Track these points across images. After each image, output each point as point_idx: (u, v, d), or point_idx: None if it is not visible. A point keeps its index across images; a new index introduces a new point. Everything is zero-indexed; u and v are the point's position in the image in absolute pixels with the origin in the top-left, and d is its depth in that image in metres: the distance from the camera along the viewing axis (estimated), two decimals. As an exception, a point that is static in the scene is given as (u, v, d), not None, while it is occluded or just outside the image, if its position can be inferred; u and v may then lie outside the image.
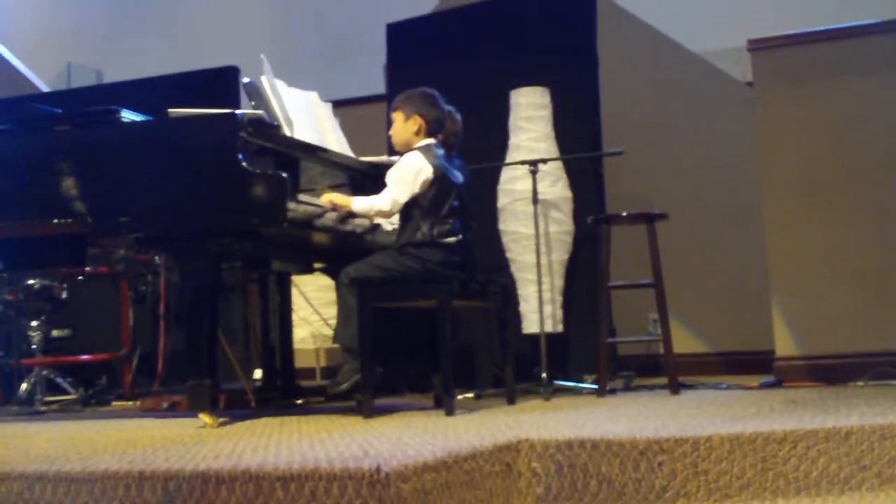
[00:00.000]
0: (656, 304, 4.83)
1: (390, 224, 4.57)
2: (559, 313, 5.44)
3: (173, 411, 4.92)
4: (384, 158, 4.92)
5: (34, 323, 5.71)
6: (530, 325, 5.39)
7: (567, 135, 5.59)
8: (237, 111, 4.08)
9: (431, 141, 4.34)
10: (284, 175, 3.92)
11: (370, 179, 4.80)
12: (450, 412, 3.93)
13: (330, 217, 4.29)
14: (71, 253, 4.58)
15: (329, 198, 4.30)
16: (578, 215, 5.50)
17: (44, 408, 5.46)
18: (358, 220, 4.45)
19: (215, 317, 4.07)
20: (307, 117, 4.59)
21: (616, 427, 3.07)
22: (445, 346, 4.02)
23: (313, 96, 4.80)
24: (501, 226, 5.53)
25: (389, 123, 4.44)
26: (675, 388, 4.71)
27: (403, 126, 4.36)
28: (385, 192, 4.25)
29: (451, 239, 4.26)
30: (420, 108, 4.35)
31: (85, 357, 6.03)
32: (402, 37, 6.47)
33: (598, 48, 5.85)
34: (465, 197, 4.44)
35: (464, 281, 4.26)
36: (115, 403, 5.75)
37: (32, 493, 2.58)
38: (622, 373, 5.38)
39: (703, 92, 6.66)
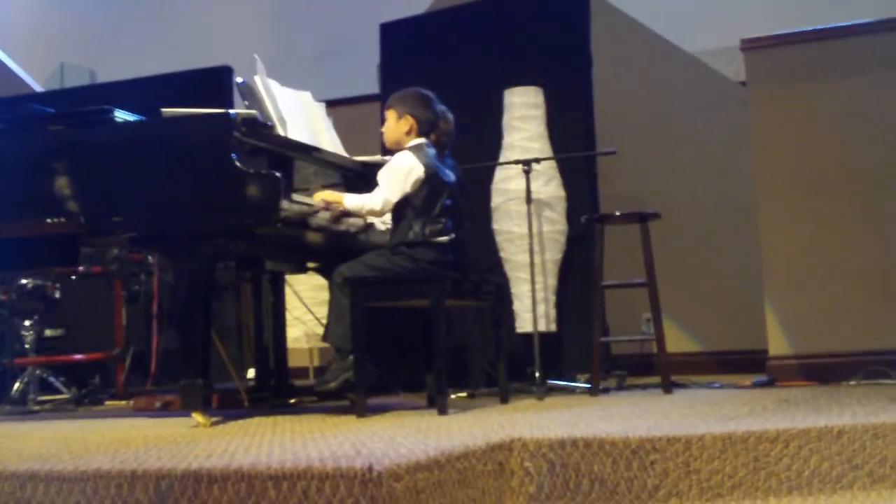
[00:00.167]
0: (649, 303, 4.84)
1: (383, 223, 4.57)
2: (552, 312, 5.44)
3: (166, 411, 4.91)
4: (377, 158, 4.92)
5: (27, 322, 5.71)
6: (524, 325, 5.39)
7: (561, 134, 5.59)
8: (230, 111, 4.08)
9: (423, 140, 4.35)
10: (278, 175, 3.92)
11: (363, 179, 4.80)
12: (443, 411, 3.93)
13: (323, 216, 4.29)
14: (64, 252, 4.57)
15: (321, 195, 4.31)
16: (572, 215, 5.50)
17: (37, 407, 5.45)
18: (351, 220, 4.45)
19: (208, 316, 4.06)
20: (301, 117, 4.59)
21: (609, 426, 3.08)
22: (438, 345, 4.02)
23: (307, 96, 4.80)
24: (495, 225, 5.53)
25: (383, 122, 4.45)
26: (668, 387, 4.72)
27: (395, 125, 4.37)
28: (376, 191, 4.25)
29: (444, 238, 4.26)
30: (413, 109, 4.36)
31: (78, 356, 6.03)
32: (395, 36, 6.46)
33: (591, 47, 5.86)
34: (458, 196, 4.44)
35: (457, 280, 4.26)
36: (108, 403, 5.74)
37: (24, 492, 2.58)
38: (615, 372, 5.39)
39: (697, 91, 6.67)
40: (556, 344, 5.53)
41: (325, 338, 4.37)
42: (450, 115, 4.74)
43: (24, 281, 5.66)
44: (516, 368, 5.14)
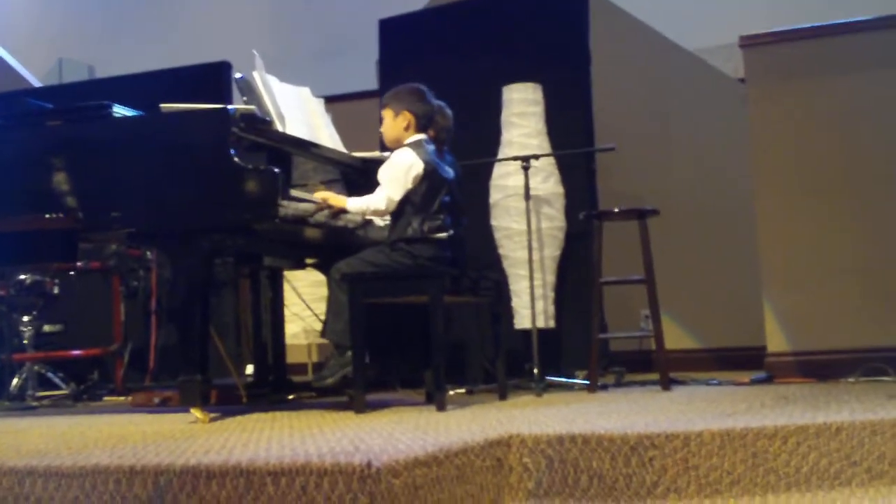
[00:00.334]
0: (648, 300, 4.84)
1: (382, 220, 4.57)
2: (551, 309, 5.45)
3: (165, 406, 4.92)
4: (376, 154, 4.92)
5: (26, 318, 5.71)
6: (522, 321, 5.39)
7: (559, 131, 5.59)
8: (229, 106, 4.07)
9: (422, 136, 4.35)
10: (276, 170, 3.92)
11: (362, 175, 4.80)
12: (441, 407, 3.93)
13: (322, 213, 4.29)
14: (62, 248, 4.56)
15: (323, 196, 4.31)
16: (570, 211, 5.50)
17: (35, 403, 5.46)
18: (350, 216, 4.45)
19: (207, 312, 4.06)
20: (299, 113, 4.59)
21: (607, 422, 3.08)
22: (437, 341, 4.02)
23: (305, 92, 4.80)
24: (493, 222, 5.53)
25: (381, 120, 4.44)
26: (667, 383, 4.72)
27: (393, 123, 4.36)
28: (379, 190, 4.25)
29: (443, 234, 4.26)
30: (409, 104, 4.35)
31: (76, 352, 6.03)
32: (394, 33, 6.46)
33: (590, 44, 5.86)
34: (456, 192, 4.44)
35: (455, 277, 4.26)
36: (106, 398, 5.75)
37: (23, 487, 2.58)
38: (613, 368, 5.39)
39: (695, 88, 6.66)
40: (555, 340, 5.53)
41: (323, 334, 4.37)
42: (448, 111, 4.74)
43: (22, 276, 5.66)
44: (515, 365, 5.15)
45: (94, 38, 10.87)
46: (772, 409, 3.37)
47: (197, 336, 3.99)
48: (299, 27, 10.30)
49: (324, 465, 2.29)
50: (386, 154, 4.54)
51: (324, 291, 4.65)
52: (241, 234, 4.09)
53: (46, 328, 5.99)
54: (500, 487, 2.74)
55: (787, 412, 3.22)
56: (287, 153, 4.48)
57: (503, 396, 4.50)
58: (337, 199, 4.30)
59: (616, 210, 4.96)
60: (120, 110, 4.24)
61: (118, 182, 4.13)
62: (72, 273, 6.05)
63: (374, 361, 4.68)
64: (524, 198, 5.14)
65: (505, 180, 5.47)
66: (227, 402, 4.69)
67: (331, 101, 5.44)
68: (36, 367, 5.70)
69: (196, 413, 3.87)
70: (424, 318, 4.19)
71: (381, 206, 4.23)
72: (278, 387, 4.98)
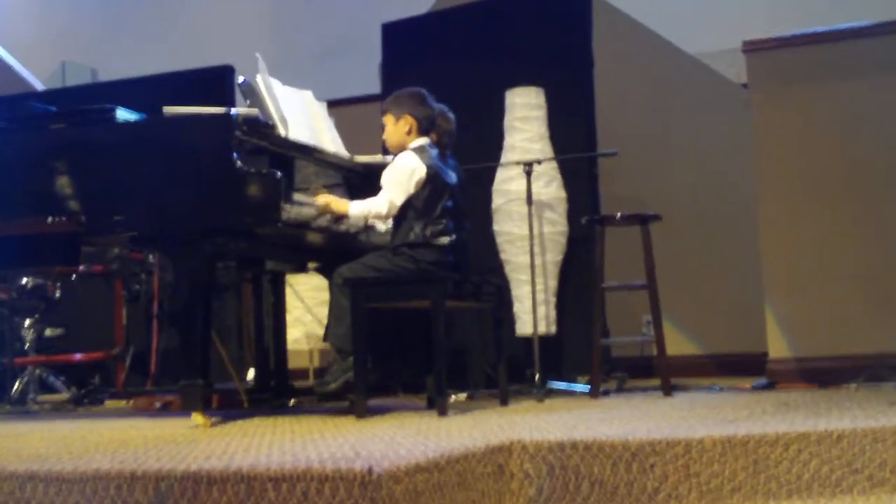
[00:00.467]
0: (650, 305, 4.84)
1: (384, 224, 4.57)
2: (553, 314, 5.44)
3: (166, 411, 4.92)
4: (379, 158, 4.92)
5: (27, 322, 5.72)
6: (524, 326, 5.39)
7: (562, 135, 5.59)
8: (232, 110, 4.07)
9: (425, 141, 4.34)
10: (279, 174, 3.92)
11: (365, 179, 4.80)
12: (442, 413, 3.92)
13: (324, 217, 4.29)
14: (65, 251, 4.57)
15: (325, 200, 4.30)
16: (573, 216, 5.50)
17: (36, 407, 5.46)
18: (352, 220, 4.44)
19: (209, 316, 4.07)
20: (302, 116, 4.59)
21: (608, 429, 3.08)
22: (438, 346, 4.01)
23: (308, 95, 4.80)
24: (496, 226, 5.53)
25: (384, 125, 4.44)
26: (668, 389, 4.72)
27: (395, 128, 4.36)
28: (381, 194, 4.25)
29: (445, 239, 4.26)
30: (410, 108, 4.35)
31: (78, 356, 6.02)
32: (397, 36, 6.46)
33: (593, 49, 5.86)
34: (459, 197, 4.44)
35: (457, 281, 4.26)
36: (107, 403, 5.74)
37: (24, 492, 2.58)
38: (615, 374, 5.39)
39: (698, 93, 6.66)
40: (557, 346, 5.53)
41: (325, 338, 4.37)
42: (450, 115, 4.74)
43: (24, 280, 5.67)
44: (516, 370, 5.15)
45: (97, 41, 10.88)
46: (773, 416, 3.36)
47: (199, 340, 4.00)
48: (300, 29, 10.30)
49: (325, 470, 2.29)
50: (388, 158, 4.54)
51: (325, 296, 4.65)
52: (243, 238, 4.09)
53: (48, 332, 5.99)
54: (501, 494, 2.74)
55: (789, 419, 3.22)
56: (289, 157, 4.48)
57: (504, 402, 4.50)
58: (339, 204, 4.30)
59: (618, 215, 4.95)
60: (123, 114, 4.24)
61: (121, 185, 4.13)
62: (74, 277, 6.05)
63: (376, 366, 4.68)
64: (526, 202, 5.14)
65: (507, 185, 5.46)
66: (229, 407, 4.68)
67: (333, 104, 5.43)
68: (37, 371, 5.70)
69: (197, 418, 3.87)
70: (426, 322, 4.19)
71: (384, 210, 4.23)
72: (280, 391, 4.97)
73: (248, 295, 5.27)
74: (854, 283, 4.89)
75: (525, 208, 5.16)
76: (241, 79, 4.49)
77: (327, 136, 4.81)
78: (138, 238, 4.27)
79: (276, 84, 4.46)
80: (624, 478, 2.75)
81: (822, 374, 4.82)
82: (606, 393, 4.92)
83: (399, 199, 4.22)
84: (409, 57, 6.31)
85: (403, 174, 4.23)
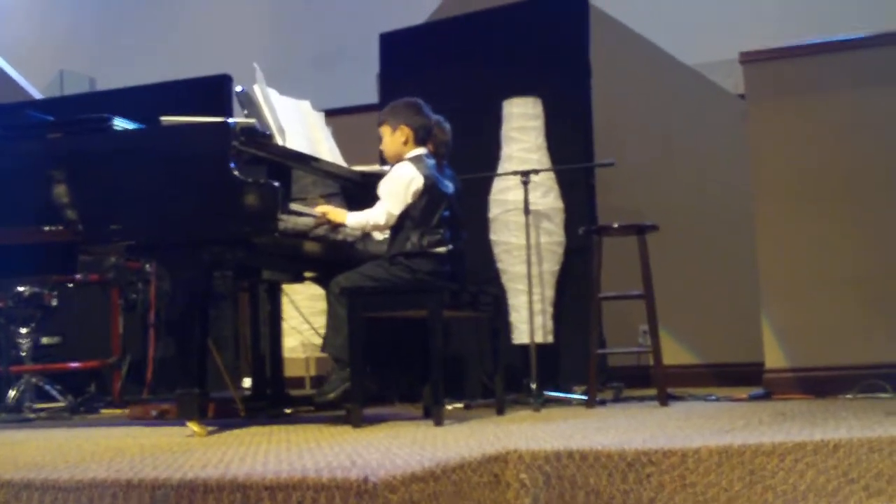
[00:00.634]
0: (647, 315, 4.84)
1: (381, 234, 4.57)
2: (550, 324, 5.44)
3: (162, 419, 4.91)
4: (376, 168, 4.93)
5: (24, 330, 5.71)
6: (521, 336, 5.39)
7: (559, 145, 5.59)
8: (229, 120, 4.08)
9: (422, 151, 4.35)
10: (276, 184, 3.92)
11: (362, 189, 4.80)
12: (439, 422, 3.92)
13: (322, 227, 4.29)
14: (62, 260, 4.57)
15: (323, 210, 4.31)
16: (570, 226, 5.50)
17: (32, 415, 5.45)
18: (349, 230, 4.45)
19: (206, 325, 4.06)
20: (299, 126, 4.59)
21: (605, 438, 3.08)
22: (435, 356, 4.01)
23: (306, 105, 4.81)
24: (493, 236, 5.53)
25: (381, 135, 4.44)
26: (665, 399, 4.72)
27: (391, 138, 4.37)
28: (378, 205, 4.25)
29: (442, 249, 4.26)
30: (406, 118, 4.35)
31: (74, 364, 6.02)
32: (395, 46, 6.47)
33: (590, 59, 5.86)
34: (456, 207, 4.44)
35: (454, 291, 4.26)
36: (103, 411, 5.74)
37: (20, 500, 2.58)
38: (612, 384, 5.39)
39: (695, 104, 6.67)
40: (553, 355, 5.53)
41: (323, 348, 4.37)
42: (446, 125, 4.74)
43: (21, 288, 5.66)
44: (513, 380, 5.15)
45: (95, 50, 10.89)
46: (769, 426, 3.36)
47: (195, 349, 4.00)
48: (298, 39, 10.32)
49: (321, 480, 2.29)
50: (386, 168, 4.54)
51: (322, 305, 4.66)
52: (240, 248, 4.09)
53: (44, 340, 5.99)
54: (497, 503, 2.73)
55: (785, 429, 3.22)
56: (287, 167, 4.48)
57: (501, 411, 4.49)
58: (336, 214, 4.30)
59: (615, 225, 4.96)
60: (121, 123, 4.25)
61: (118, 195, 4.13)
62: (70, 285, 6.05)
63: (374, 375, 4.68)
64: (524, 212, 5.14)
65: (504, 195, 5.47)
66: (225, 416, 4.68)
67: (331, 114, 5.44)
68: (33, 380, 5.69)
69: (193, 426, 3.87)
70: (423, 332, 4.19)
71: (381, 220, 4.24)
72: (276, 400, 4.97)
73: (245, 304, 5.27)
74: (851, 294, 4.90)
75: (522, 218, 5.16)
76: (238, 88, 4.50)
77: (325, 145, 4.81)
78: (135, 247, 4.26)
79: (273, 94, 4.47)
80: (620, 488, 2.74)
81: (818, 384, 4.82)
82: (603, 402, 4.92)
83: (396, 210, 4.23)
84: (406, 66, 6.32)
85: (401, 184, 4.23)
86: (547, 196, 5.45)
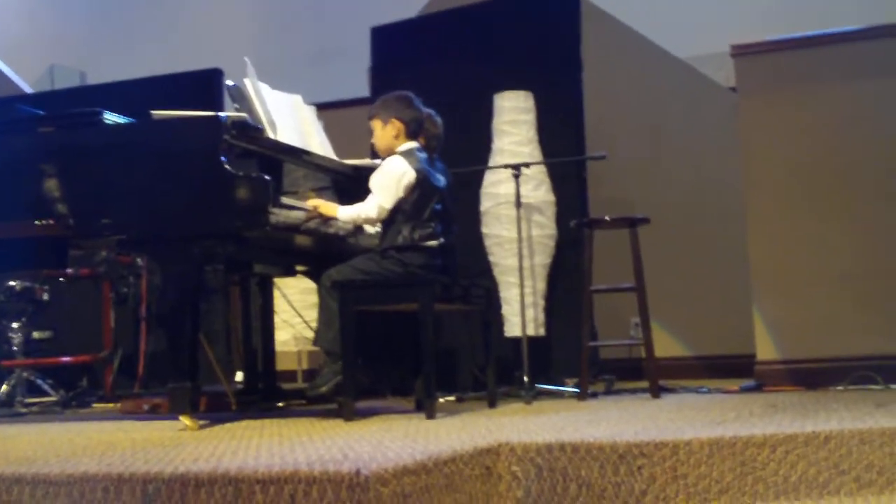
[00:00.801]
0: (638, 307, 4.85)
1: (373, 227, 4.57)
2: (541, 317, 5.45)
3: (154, 413, 4.91)
4: (367, 161, 4.92)
5: (15, 324, 5.70)
6: (512, 329, 5.39)
7: (550, 139, 5.60)
8: (220, 114, 4.07)
9: (414, 144, 4.35)
10: (267, 178, 3.92)
11: (353, 182, 4.80)
12: (431, 415, 3.93)
13: (313, 220, 4.29)
14: (53, 254, 4.56)
15: (314, 203, 4.30)
16: (561, 219, 5.50)
17: (24, 409, 5.44)
18: (340, 223, 4.45)
19: (197, 319, 4.06)
20: (291, 120, 4.59)
21: (596, 431, 3.08)
22: (427, 349, 4.02)
23: (297, 99, 4.80)
24: (484, 229, 5.54)
25: (372, 129, 4.44)
26: (656, 391, 4.73)
27: (383, 132, 4.36)
28: (370, 198, 4.25)
29: (433, 242, 4.27)
30: (396, 112, 4.35)
31: (66, 359, 6.01)
32: (386, 40, 6.47)
33: (581, 52, 5.86)
34: (448, 200, 4.44)
35: (446, 284, 4.26)
36: (95, 405, 5.73)
37: (10, 495, 2.57)
38: (603, 376, 5.40)
39: (687, 96, 6.68)
40: (545, 348, 5.53)
41: (315, 342, 4.37)
42: (438, 118, 4.74)
43: (12, 283, 5.65)
44: (505, 372, 5.15)
45: (86, 45, 10.86)
46: (761, 418, 3.37)
47: (187, 343, 3.99)
48: (290, 33, 10.30)
49: (313, 473, 2.29)
50: (377, 161, 4.54)
51: (313, 299, 4.65)
52: (231, 242, 4.08)
53: (36, 334, 5.97)
54: (488, 496, 2.74)
55: (776, 421, 3.23)
56: (278, 160, 4.48)
57: (493, 404, 4.50)
58: (328, 207, 4.30)
59: (607, 218, 4.96)
60: (111, 117, 4.24)
61: (109, 189, 4.12)
62: (62, 279, 6.04)
63: (365, 368, 4.68)
64: (515, 205, 5.14)
65: (496, 188, 5.47)
66: (217, 410, 4.67)
67: (322, 108, 5.43)
68: (25, 374, 5.68)
69: (185, 420, 3.87)
70: (415, 325, 4.19)
71: (373, 214, 4.24)
72: (268, 394, 4.97)
73: (237, 298, 5.26)
74: (842, 286, 4.91)
75: (513, 211, 5.17)
76: (230, 82, 4.49)
77: (316, 139, 4.81)
78: (126, 241, 4.25)
79: (264, 88, 4.46)
80: (611, 480, 2.75)
81: (809, 376, 4.83)
82: (594, 395, 4.93)
83: (388, 203, 4.23)
84: (398, 60, 6.31)
85: (392, 178, 4.23)
86: (538, 189, 5.45)
